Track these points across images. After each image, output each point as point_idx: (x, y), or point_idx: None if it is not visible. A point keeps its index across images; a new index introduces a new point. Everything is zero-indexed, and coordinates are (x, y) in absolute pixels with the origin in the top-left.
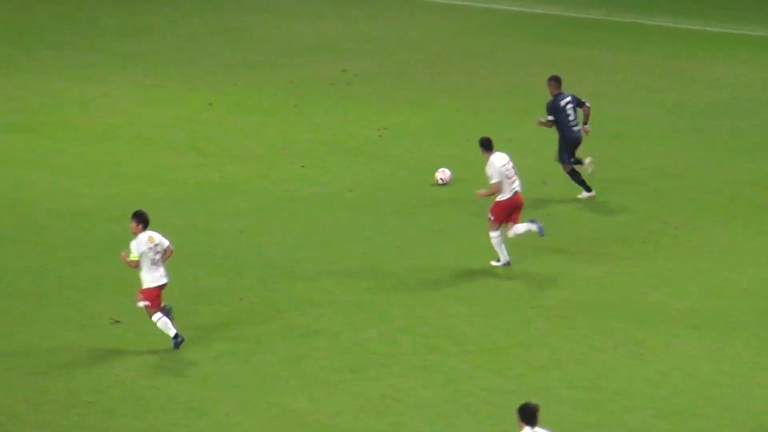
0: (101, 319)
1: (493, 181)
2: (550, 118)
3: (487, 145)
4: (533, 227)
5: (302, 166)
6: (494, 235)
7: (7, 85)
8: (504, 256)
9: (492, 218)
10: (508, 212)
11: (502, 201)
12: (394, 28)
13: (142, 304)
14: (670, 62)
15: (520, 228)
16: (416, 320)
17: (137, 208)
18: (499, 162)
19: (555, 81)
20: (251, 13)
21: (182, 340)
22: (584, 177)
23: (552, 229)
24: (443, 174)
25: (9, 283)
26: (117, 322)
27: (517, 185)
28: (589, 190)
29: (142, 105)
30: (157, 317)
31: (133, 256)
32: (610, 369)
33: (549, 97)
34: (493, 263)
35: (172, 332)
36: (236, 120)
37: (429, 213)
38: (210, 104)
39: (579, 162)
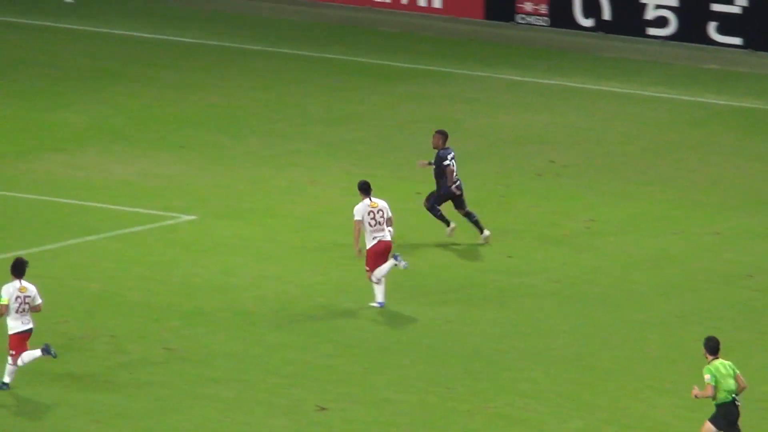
0: (307, 406)
1: (355, 218)
2: (433, 162)
3: (364, 189)
4: (397, 263)
5: (509, 257)
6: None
7: (215, 172)
8: (380, 297)
9: (368, 269)
10: (377, 258)
11: (370, 249)
12: (602, 120)
13: (19, 361)
14: None
15: (383, 269)
16: (621, 412)
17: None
18: (366, 206)
19: (442, 135)
20: (460, 102)
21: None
22: (443, 213)
23: (751, 321)
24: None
25: (214, 368)
26: (323, 409)
27: (383, 234)
28: (447, 224)
29: (349, 193)
30: (21, 363)
31: (3, 300)
32: None
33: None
34: (372, 304)
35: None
36: (444, 209)
37: (634, 304)
38: (418, 194)
39: (445, 221)
